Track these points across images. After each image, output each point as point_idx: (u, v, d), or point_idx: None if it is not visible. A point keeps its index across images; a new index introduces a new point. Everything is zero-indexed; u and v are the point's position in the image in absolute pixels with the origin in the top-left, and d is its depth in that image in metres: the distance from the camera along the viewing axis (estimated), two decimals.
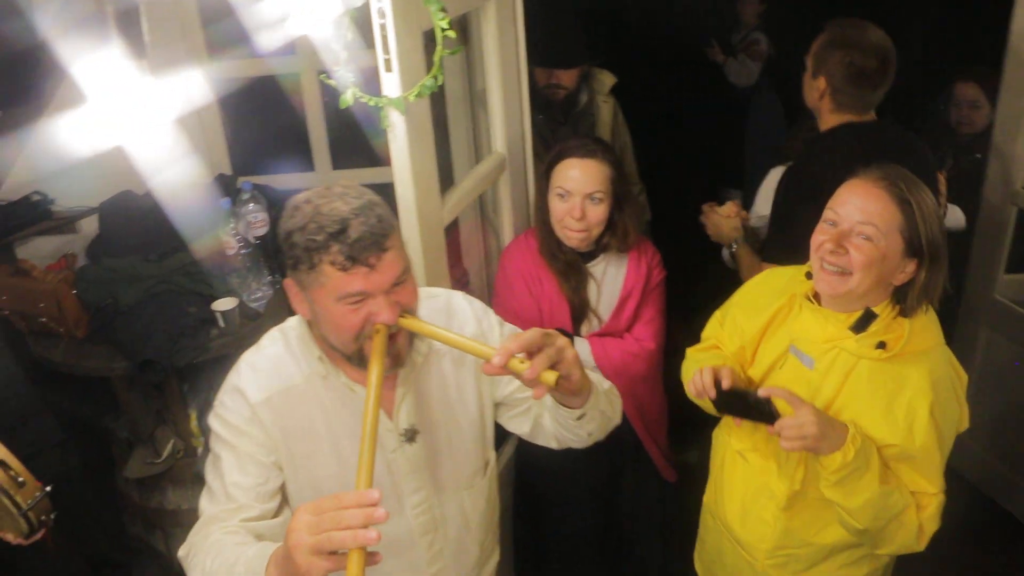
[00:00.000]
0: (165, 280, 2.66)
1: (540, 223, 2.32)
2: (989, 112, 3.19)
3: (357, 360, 1.42)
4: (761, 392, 1.65)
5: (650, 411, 2.40)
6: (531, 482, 2.56)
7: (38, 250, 3.20)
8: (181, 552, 1.49)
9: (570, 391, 1.40)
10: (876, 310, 1.67)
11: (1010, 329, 3.15)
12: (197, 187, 2.99)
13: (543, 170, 2.27)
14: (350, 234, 1.29)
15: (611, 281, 2.34)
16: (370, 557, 1.12)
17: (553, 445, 1.67)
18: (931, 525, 1.70)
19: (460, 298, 1.66)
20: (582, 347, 2.30)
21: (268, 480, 1.49)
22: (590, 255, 2.33)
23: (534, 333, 1.30)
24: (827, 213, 1.68)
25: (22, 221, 3.12)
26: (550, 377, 1.29)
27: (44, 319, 2.69)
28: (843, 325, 1.70)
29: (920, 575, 2.56)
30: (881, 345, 1.65)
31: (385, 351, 1.36)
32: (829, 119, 2.32)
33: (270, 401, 1.49)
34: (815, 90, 2.31)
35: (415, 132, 1.88)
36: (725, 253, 2.58)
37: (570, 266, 2.31)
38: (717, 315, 2.04)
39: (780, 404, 1.63)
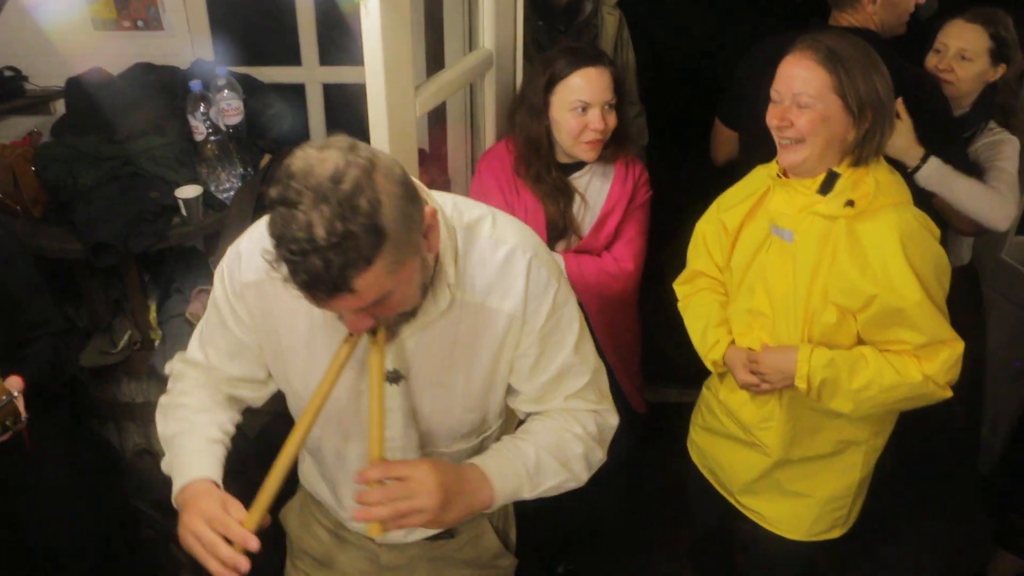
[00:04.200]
0: (129, 162, 2.53)
1: (524, 141, 2.16)
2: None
3: None
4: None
5: (623, 335, 2.28)
6: None
7: (11, 129, 3.08)
8: (162, 400, 1.53)
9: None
10: (838, 170, 1.75)
11: (1015, 292, 3.01)
12: (172, 70, 2.84)
13: (542, 83, 2.10)
14: (301, 273, 1.07)
15: (594, 195, 2.20)
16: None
17: None
18: (944, 375, 1.73)
19: (525, 265, 1.34)
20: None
21: (242, 351, 1.47)
22: (574, 167, 2.19)
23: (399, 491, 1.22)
24: (771, 94, 1.78)
25: None
26: (374, 529, 1.22)
27: (0, 195, 2.57)
28: (810, 190, 1.77)
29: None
30: (850, 203, 1.71)
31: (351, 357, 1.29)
32: None
33: (260, 285, 1.38)
34: None
35: (390, 8, 1.72)
36: None
37: (557, 188, 2.17)
38: (699, 227, 2.08)
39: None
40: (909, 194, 1.79)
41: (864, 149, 1.73)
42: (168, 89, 2.77)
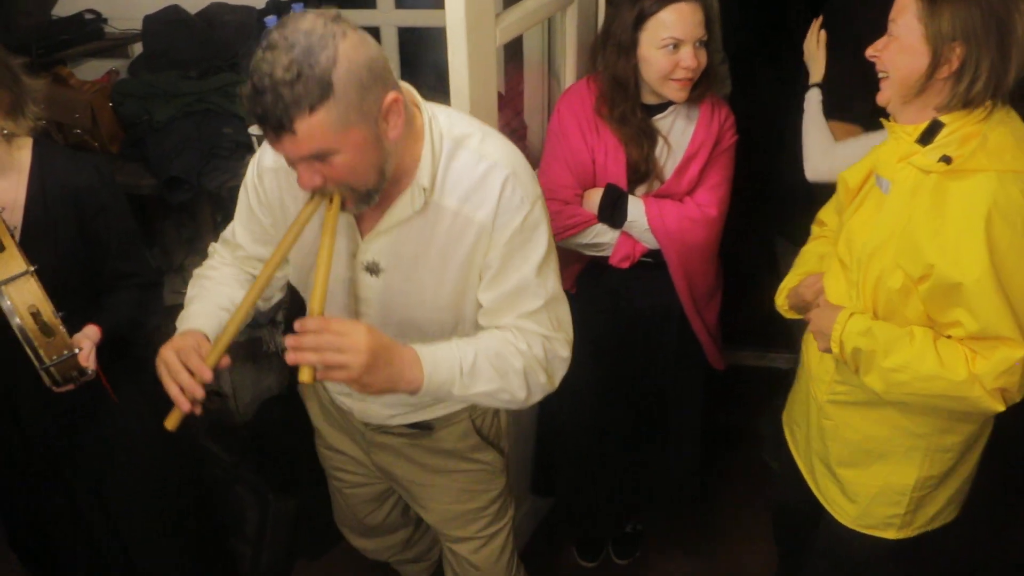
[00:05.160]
0: (203, 99, 2.52)
1: (610, 80, 2.06)
2: None
3: None
4: None
5: (701, 285, 2.18)
6: None
7: (91, 71, 3.12)
8: (195, 270, 1.73)
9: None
10: (944, 119, 1.53)
11: None
12: (247, 9, 2.82)
13: (631, 19, 1.99)
14: (257, 107, 1.22)
15: (678, 137, 2.10)
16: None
17: None
18: (995, 379, 1.47)
19: (501, 180, 1.43)
20: (636, 208, 2.08)
21: (263, 233, 1.64)
22: (658, 108, 2.09)
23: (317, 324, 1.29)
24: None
25: (73, 37, 3.02)
26: (304, 374, 1.28)
27: (79, 131, 2.59)
28: (911, 138, 1.58)
29: None
30: (945, 159, 1.49)
31: (313, 216, 1.39)
32: None
33: (276, 172, 1.54)
34: None
35: None
36: None
37: (641, 130, 2.07)
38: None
39: None
40: None
41: (960, 92, 1.49)
42: (244, 27, 2.74)
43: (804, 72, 2.28)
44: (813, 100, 2.20)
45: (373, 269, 1.51)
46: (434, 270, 1.49)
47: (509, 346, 1.46)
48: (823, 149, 2.15)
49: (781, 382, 2.01)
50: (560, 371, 1.55)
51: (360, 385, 1.32)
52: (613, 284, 2.20)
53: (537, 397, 1.52)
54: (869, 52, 1.59)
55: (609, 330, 2.24)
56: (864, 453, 1.78)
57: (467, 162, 1.43)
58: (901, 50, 1.52)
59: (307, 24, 1.21)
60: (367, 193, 1.37)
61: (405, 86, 1.44)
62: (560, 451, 2.54)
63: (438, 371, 1.39)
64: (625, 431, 2.44)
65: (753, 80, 3.24)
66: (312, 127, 1.21)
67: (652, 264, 2.14)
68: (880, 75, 1.59)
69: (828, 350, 1.66)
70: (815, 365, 1.83)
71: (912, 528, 1.82)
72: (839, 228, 1.80)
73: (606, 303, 2.23)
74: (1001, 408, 1.51)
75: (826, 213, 1.94)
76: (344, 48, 1.20)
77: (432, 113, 1.44)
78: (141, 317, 2.01)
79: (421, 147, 1.41)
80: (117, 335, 1.91)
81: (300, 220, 1.38)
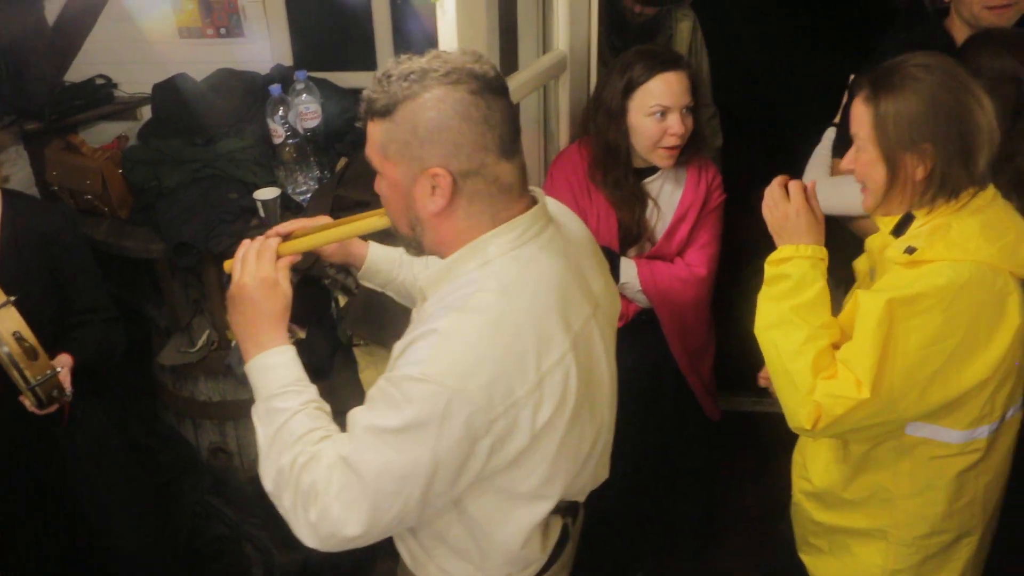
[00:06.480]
0: (210, 165, 2.60)
1: (602, 146, 2.13)
2: None
3: None
4: None
5: (694, 341, 2.24)
6: None
7: (101, 135, 3.21)
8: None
9: None
10: (916, 212, 1.54)
11: None
12: (252, 76, 2.91)
13: (620, 87, 2.07)
14: (369, 90, 1.28)
15: (667, 199, 2.17)
16: None
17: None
18: (826, 397, 1.46)
19: (429, 332, 1.22)
20: (628, 269, 2.14)
21: None
22: (647, 172, 2.16)
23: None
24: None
25: (85, 102, 3.11)
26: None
27: (90, 196, 2.67)
28: (887, 229, 1.60)
29: None
30: (909, 250, 1.50)
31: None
32: None
33: None
34: None
35: (465, 10, 1.72)
36: None
37: (633, 194, 2.14)
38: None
39: None
40: (985, 250, 1.47)
41: (928, 192, 1.50)
42: (248, 94, 2.83)
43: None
44: (826, 138, 2.26)
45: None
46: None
47: (299, 445, 1.26)
48: (822, 183, 2.15)
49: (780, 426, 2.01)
50: (322, 532, 1.23)
51: (231, 304, 1.41)
52: None
53: (281, 511, 1.28)
54: (844, 165, 1.60)
55: None
56: (837, 542, 1.77)
57: (455, 297, 1.26)
58: (868, 163, 1.53)
59: (447, 58, 1.24)
60: (401, 238, 1.37)
61: (558, 215, 1.42)
62: None
63: (261, 374, 1.35)
64: (627, 485, 2.47)
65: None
66: (373, 131, 1.27)
67: (646, 322, 2.20)
68: (860, 184, 1.60)
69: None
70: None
71: None
72: None
73: None
74: (805, 424, 1.48)
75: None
76: (433, 95, 1.20)
77: (508, 250, 1.27)
78: (107, 348, 2.16)
79: (461, 251, 1.29)
80: (88, 364, 2.04)
81: (361, 215, 1.49)
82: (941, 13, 2.30)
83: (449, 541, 1.42)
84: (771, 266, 1.60)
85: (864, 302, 1.48)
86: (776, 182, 1.64)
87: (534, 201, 1.32)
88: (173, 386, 2.81)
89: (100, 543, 2.24)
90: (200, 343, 2.72)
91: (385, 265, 1.70)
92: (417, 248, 1.35)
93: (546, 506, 1.37)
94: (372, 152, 1.28)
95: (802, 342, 1.51)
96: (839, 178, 2.15)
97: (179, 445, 2.83)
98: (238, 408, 2.76)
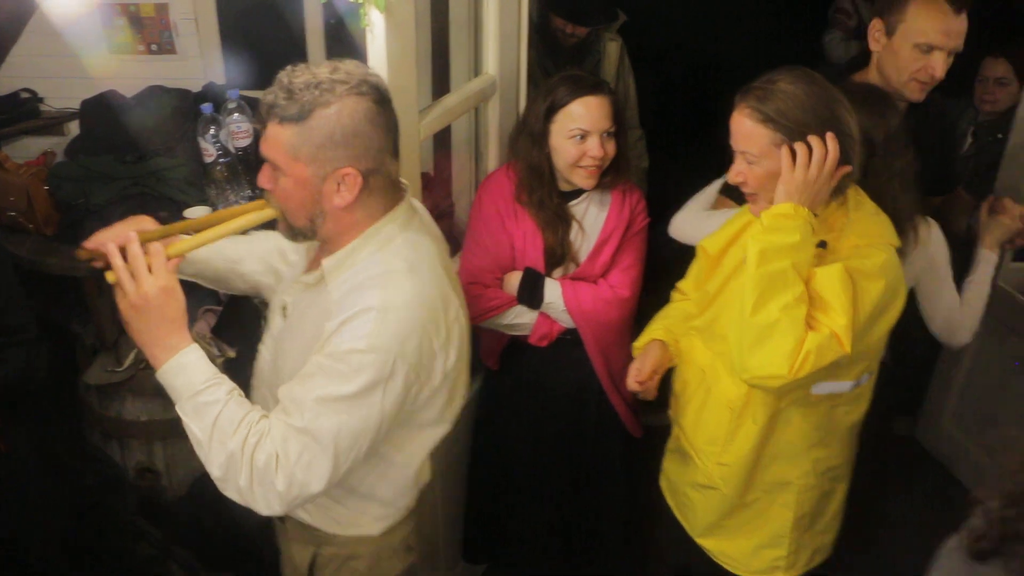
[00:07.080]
0: (139, 183, 2.59)
1: (526, 168, 2.19)
2: (1016, 91, 3.04)
3: None
4: None
5: (616, 361, 2.30)
6: (488, 438, 2.51)
7: (25, 150, 3.16)
8: None
9: None
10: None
11: (1012, 320, 3.02)
12: (184, 93, 2.91)
13: (543, 110, 2.14)
14: (266, 95, 1.39)
15: (591, 222, 2.24)
16: None
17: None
18: (816, 358, 1.59)
19: (365, 308, 1.40)
20: (553, 290, 2.21)
21: None
22: (572, 194, 2.23)
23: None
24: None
25: (9, 117, 3.07)
26: (110, 275, 1.45)
27: (14, 213, 2.63)
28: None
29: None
30: (822, 244, 1.68)
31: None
32: None
33: None
34: None
35: (395, 34, 1.77)
36: None
37: (557, 215, 2.20)
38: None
39: None
40: (889, 235, 1.74)
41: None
42: (180, 112, 2.83)
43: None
44: (713, 185, 2.32)
45: (284, 312, 1.63)
46: (300, 346, 1.50)
47: (244, 428, 1.40)
48: (694, 212, 2.30)
49: None
50: (291, 496, 1.41)
51: (124, 317, 1.44)
52: (534, 362, 2.32)
53: (232, 493, 1.43)
54: (732, 178, 1.73)
55: (531, 405, 2.36)
56: (751, 513, 1.93)
57: (367, 277, 1.45)
58: (766, 175, 1.66)
59: (348, 70, 1.38)
60: (294, 229, 1.49)
61: (413, 201, 1.59)
62: (493, 516, 2.62)
63: (179, 373, 1.42)
64: (554, 497, 2.53)
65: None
66: (273, 136, 1.38)
67: (570, 342, 2.26)
68: (749, 193, 1.74)
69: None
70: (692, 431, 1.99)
71: (799, 565, 1.96)
72: (703, 298, 1.94)
73: (527, 380, 2.35)
74: (782, 371, 1.59)
75: (686, 284, 2.07)
76: (346, 104, 1.36)
77: (397, 234, 1.49)
78: (29, 371, 2.09)
79: (359, 238, 1.47)
80: (11, 387, 2.00)
81: (239, 208, 1.54)
82: (852, 67, 2.34)
83: (351, 483, 1.58)
84: (770, 218, 1.65)
85: (824, 274, 1.63)
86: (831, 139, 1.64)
87: (404, 190, 1.54)
88: (99, 406, 2.77)
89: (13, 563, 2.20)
90: (128, 362, 2.69)
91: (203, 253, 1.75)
92: (306, 237, 1.51)
93: (443, 429, 1.64)
94: (276, 153, 1.39)
95: (797, 296, 1.62)
96: (708, 212, 2.29)
97: (105, 465, 2.79)
98: (166, 427, 2.73)
